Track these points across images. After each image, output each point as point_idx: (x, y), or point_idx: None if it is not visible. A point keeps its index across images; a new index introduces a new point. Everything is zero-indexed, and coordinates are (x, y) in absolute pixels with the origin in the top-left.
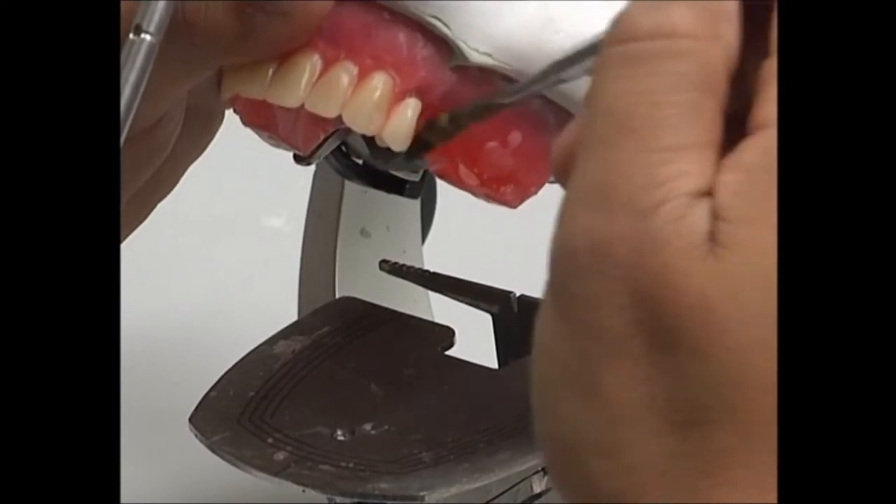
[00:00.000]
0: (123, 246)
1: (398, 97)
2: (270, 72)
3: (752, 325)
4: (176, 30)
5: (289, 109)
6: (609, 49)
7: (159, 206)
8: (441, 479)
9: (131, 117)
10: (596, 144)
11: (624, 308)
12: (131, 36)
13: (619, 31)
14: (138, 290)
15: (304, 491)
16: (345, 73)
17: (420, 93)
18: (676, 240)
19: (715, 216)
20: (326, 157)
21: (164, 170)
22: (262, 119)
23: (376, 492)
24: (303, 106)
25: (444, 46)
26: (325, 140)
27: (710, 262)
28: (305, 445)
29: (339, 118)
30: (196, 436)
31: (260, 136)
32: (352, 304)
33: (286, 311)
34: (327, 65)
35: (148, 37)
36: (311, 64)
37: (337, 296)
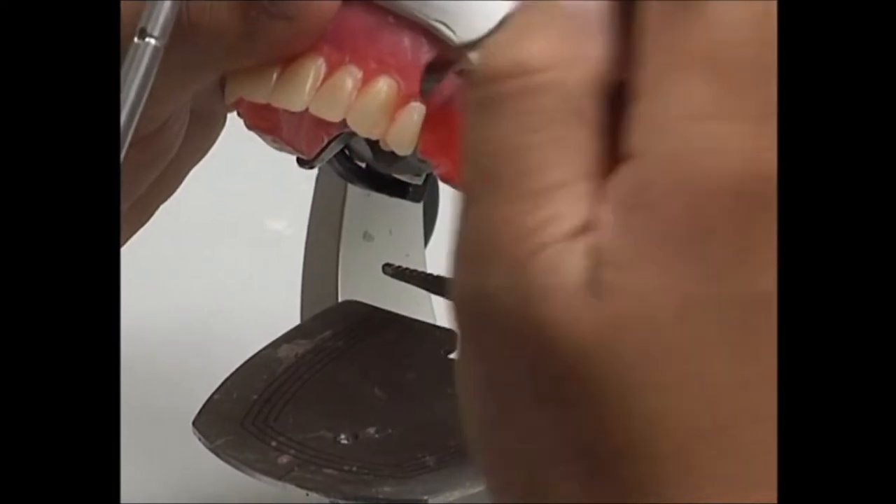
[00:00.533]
0: (126, 248)
1: (402, 101)
2: (275, 76)
3: (639, 368)
4: (180, 33)
5: (293, 113)
6: (470, 93)
7: (162, 208)
8: (445, 482)
9: (136, 121)
10: (468, 196)
11: (514, 362)
12: (136, 40)
13: (477, 74)
14: (141, 293)
15: (307, 494)
16: (349, 77)
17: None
18: (555, 290)
19: (594, 258)
20: (329, 161)
21: (167, 173)
22: (266, 122)
23: (380, 495)
24: (307, 109)
25: (448, 50)
26: (329, 143)
27: (592, 310)
28: (309, 449)
29: (343, 122)
30: (200, 439)
31: (264, 139)
32: (355, 307)
33: (289, 315)
34: (331, 69)
35: (152, 40)
36: (315, 68)
37: (339, 299)
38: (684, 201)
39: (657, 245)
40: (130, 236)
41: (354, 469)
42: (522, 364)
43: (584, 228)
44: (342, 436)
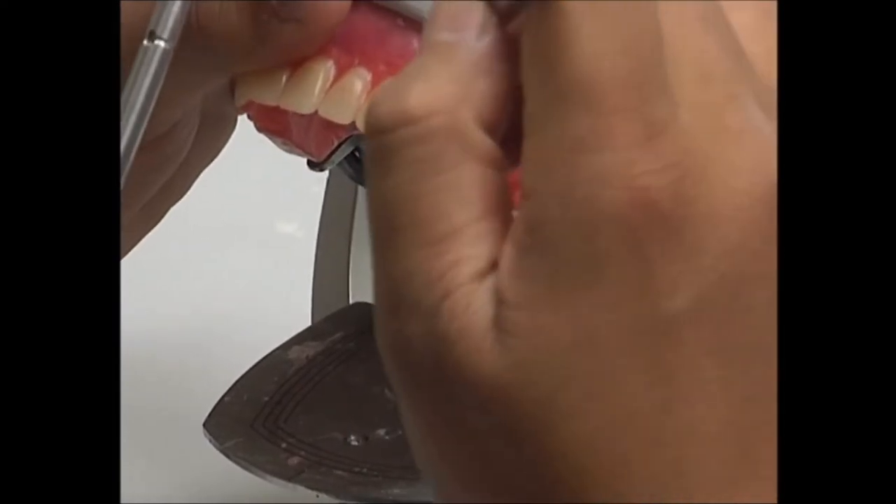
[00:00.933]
0: (136, 251)
1: None
2: (284, 78)
3: (552, 404)
4: (190, 36)
5: (302, 115)
6: (366, 144)
7: (173, 211)
8: None
9: (145, 124)
10: (375, 247)
11: (439, 406)
12: (145, 42)
13: (367, 125)
14: (151, 296)
15: (317, 496)
16: (358, 80)
17: None
18: (465, 334)
19: (498, 299)
20: (340, 163)
21: (177, 175)
22: (276, 125)
23: (390, 497)
24: (316, 112)
25: None
26: (339, 146)
27: (499, 352)
28: (319, 450)
29: (353, 124)
30: (210, 441)
31: (274, 141)
32: (365, 309)
33: (299, 317)
34: (341, 71)
35: (162, 43)
36: (324, 70)
37: (350, 301)
38: (573, 236)
39: (552, 282)
40: (140, 239)
41: (365, 471)
42: (446, 408)
43: (491, 267)
44: (352, 437)
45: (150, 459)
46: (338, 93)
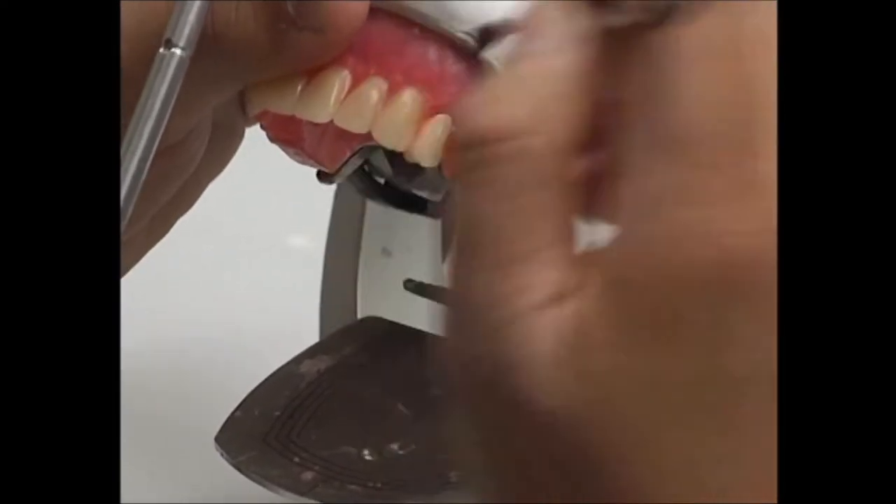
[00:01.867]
0: (144, 262)
1: (428, 113)
2: (300, 87)
3: (611, 443)
4: (206, 44)
5: (316, 125)
6: (458, 156)
7: (182, 222)
8: (469, 498)
9: (161, 132)
10: (454, 260)
11: (492, 423)
12: (161, 50)
13: (460, 136)
14: (160, 308)
15: None
16: (375, 90)
17: (451, 109)
18: (524, 365)
19: (565, 332)
20: (349, 177)
21: (187, 186)
22: (290, 135)
23: None
24: (330, 122)
25: (475, 62)
26: (351, 157)
27: (558, 388)
28: (332, 465)
29: (368, 134)
30: (222, 455)
31: (286, 152)
32: (377, 323)
33: (310, 330)
34: (357, 80)
35: (178, 51)
36: (340, 79)
37: (359, 315)
38: (656, 289)
39: (629, 329)
40: (149, 249)
41: (379, 485)
42: (500, 427)
43: (556, 297)
44: (366, 452)
45: (159, 473)
46: (353, 102)
